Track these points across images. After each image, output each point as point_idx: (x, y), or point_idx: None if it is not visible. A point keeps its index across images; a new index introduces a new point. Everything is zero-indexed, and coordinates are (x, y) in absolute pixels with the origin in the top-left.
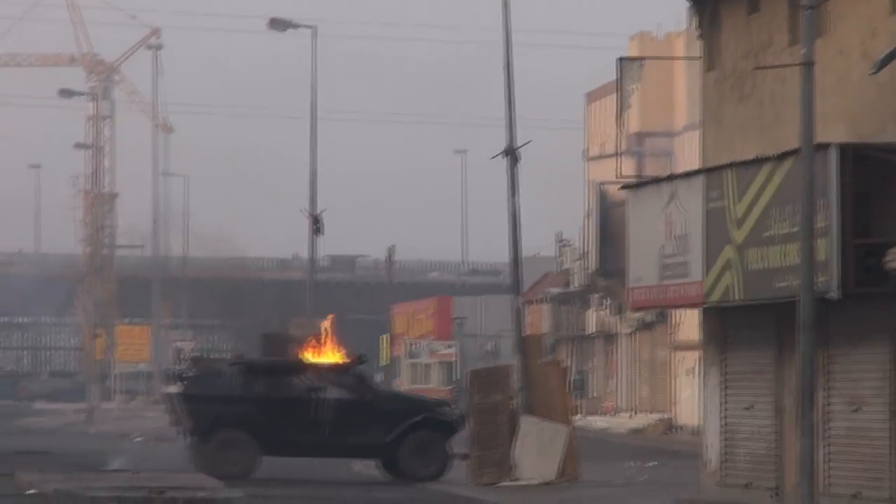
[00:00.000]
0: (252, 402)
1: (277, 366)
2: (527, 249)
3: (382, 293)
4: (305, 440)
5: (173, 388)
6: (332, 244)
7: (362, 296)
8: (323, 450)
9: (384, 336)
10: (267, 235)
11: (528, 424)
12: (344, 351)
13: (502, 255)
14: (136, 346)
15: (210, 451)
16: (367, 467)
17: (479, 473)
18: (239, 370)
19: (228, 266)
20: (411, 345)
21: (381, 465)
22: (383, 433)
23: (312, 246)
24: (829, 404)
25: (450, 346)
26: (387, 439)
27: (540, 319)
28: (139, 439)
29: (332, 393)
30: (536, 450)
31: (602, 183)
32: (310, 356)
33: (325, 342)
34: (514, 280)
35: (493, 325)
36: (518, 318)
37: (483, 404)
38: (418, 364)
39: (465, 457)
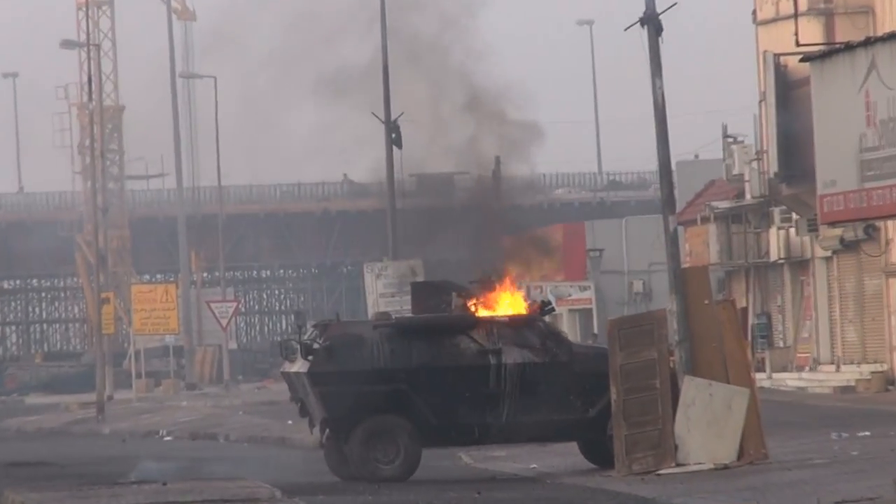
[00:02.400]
0: (408, 377)
1: (439, 324)
2: (683, 151)
3: (490, 221)
4: (483, 423)
5: (296, 367)
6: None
7: (462, 226)
8: (505, 434)
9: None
10: (324, 152)
11: (693, 389)
12: (523, 298)
13: (649, 161)
14: (159, 312)
15: (354, 448)
16: (477, 459)
17: (628, 459)
18: (386, 334)
19: (280, 196)
20: (531, 288)
21: (583, 448)
22: (585, 405)
23: (390, 162)
24: None
25: (584, 289)
26: (591, 413)
27: (704, 245)
28: (168, 438)
29: (515, 355)
30: (706, 423)
31: (778, 54)
32: (480, 308)
33: (498, 287)
34: (664, 194)
35: (642, 256)
36: (673, 244)
37: (630, 364)
38: None
39: None
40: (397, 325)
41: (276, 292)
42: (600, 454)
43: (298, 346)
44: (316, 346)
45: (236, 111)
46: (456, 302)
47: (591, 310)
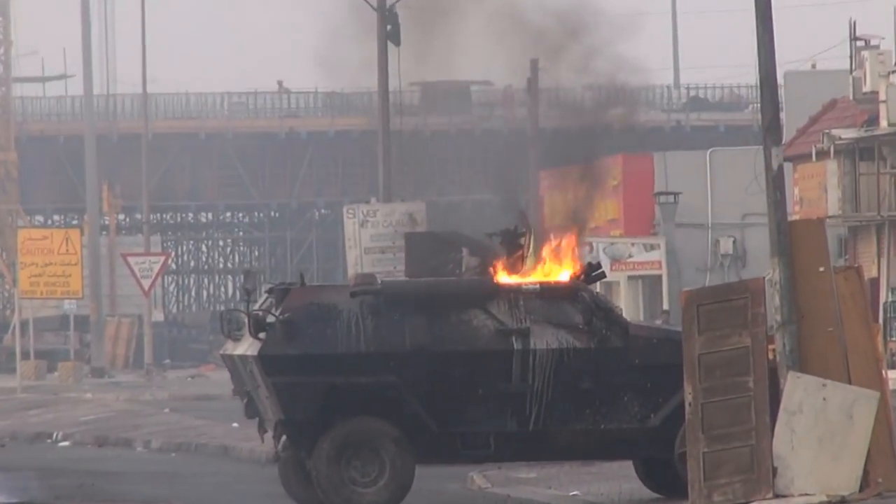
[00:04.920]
0: (398, 365)
1: (443, 292)
2: (795, 59)
3: (521, 149)
4: (502, 431)
5: (243, 347)
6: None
7: (481, 155)
8: (534, 448)
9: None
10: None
11: (800, 390)
12: (563, 259)
13: (746, 72)
14: (56, 267)
15: (321, 462)
16: (495, 481)
17: (707, 487)
18: (370, 305)
19: (229, 109)
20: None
21: (643, 470)
22: (646, 409)
23: (384, 65)
24: None
25: (651, 248)
26: (654, 420)
27: (821, 190)
28: (65, 444)
29: (548, 338)
30: (818, 438)
31: None
32: (502, 271)
33: (527, 244)
34: (767, 117)
35: (734, 204)
36: (778, 188)
37: (713, 354)
38: None
39: None
40: (385, 291)
41: (221, 244)
42: (666, 479)
43: (247, 319)
44: (271, 319)
45: None
46: (468, 261)
47: (660, 277)
